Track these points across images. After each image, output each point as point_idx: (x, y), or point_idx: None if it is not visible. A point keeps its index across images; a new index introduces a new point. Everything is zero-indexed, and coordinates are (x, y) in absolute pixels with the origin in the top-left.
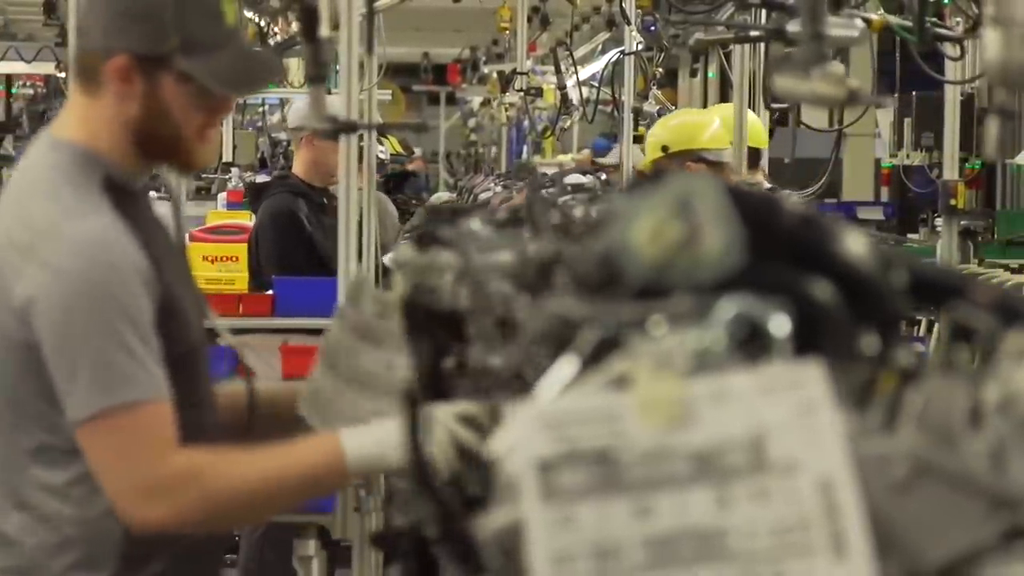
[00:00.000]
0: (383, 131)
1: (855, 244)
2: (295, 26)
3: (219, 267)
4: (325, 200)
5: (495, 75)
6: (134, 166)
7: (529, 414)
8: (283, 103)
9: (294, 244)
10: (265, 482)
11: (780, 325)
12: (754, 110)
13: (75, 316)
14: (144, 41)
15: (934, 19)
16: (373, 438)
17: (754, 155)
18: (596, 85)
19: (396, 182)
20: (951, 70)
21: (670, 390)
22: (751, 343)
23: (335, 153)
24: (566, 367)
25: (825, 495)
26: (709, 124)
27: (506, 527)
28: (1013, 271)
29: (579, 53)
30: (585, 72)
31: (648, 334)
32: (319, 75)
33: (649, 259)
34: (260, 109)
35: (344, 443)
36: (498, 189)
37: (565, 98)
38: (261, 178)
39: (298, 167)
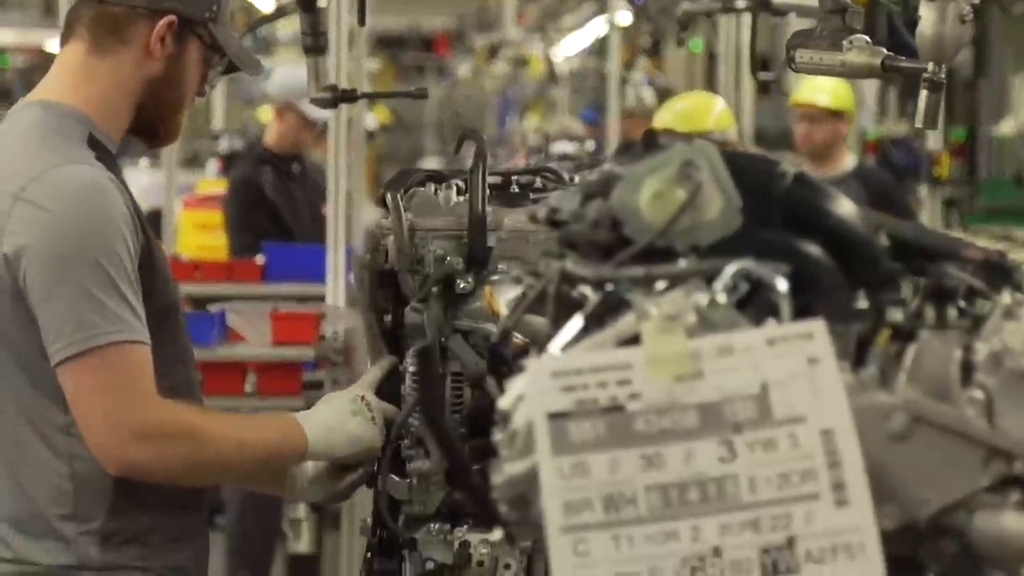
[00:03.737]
0: (373, 99)
1: (847, 206)
2: None
3: (211, 234)
4: (295, 168)
5: (482, 46)
6: (118, 131)
7: (541, 368)
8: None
9: (254, 211)
10: (241, 448)
11: (782, 284)
12: (739, 80)
13: (64, 257)
14: (191, 4)
15: None
16: (327, 427)
17: None
18: (583, 56)
19: None
20: None
21: (677, 345)
22: (754, 302)
23: (304, 129)
24: (576, 324)
25: (827, 445)
26: (714, 106)
27: (517, 476)
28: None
29: (567, 24)
30: (573, 43)
31: (655, 293)
32: (317, 45)
33: (653, 222)
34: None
35: (306, 429)
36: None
37: (552, 68)
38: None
39: (269, 136)
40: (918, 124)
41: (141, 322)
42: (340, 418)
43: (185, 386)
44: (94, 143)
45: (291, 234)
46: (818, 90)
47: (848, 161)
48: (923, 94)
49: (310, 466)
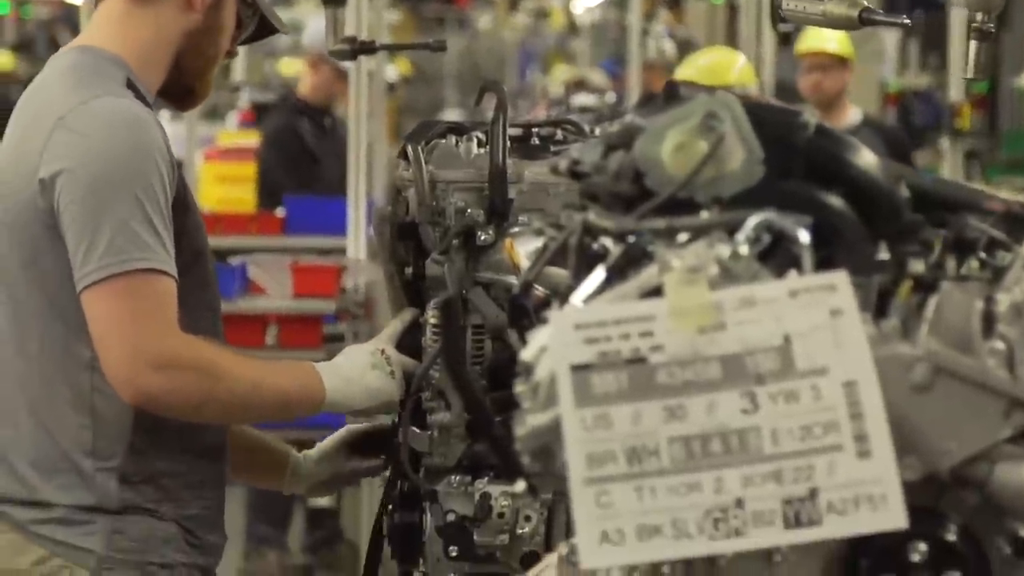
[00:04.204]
0: (392, 51)
1: (869, 157)
2: None
3: (232, 187)
4: (327, 122)
5: None
6: (155, 84)
7: (564, 320)
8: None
9: (295, 159)
10: (257, 390)
11: (804, 235)
12: (760, 32)
13: (99, 183)
14: None
15: None
16: (346, 379)
17: None
18: (604, 7)
19: None
20: None
21: (700, 297)
22: (776, 254)
23: (338, 80)
24: (598, 276)
25: (850, 397)
26: (735, 62)
27: (541, 428)
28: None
29: None
30: None
31: (677, 245)
32: None
33: (675, 174)
34: None
35: (324, 380)
36: None
37: (572, 20)
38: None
39: (303, 87)
40: (969, 75)
41: (170, 255)
42: (359, 371)
43: (210, 336)
44: (132, 88)
45: (330, 184)
46: (825, 38)
47: (853, 112)
48: (972, 44)
49: (316, 448)
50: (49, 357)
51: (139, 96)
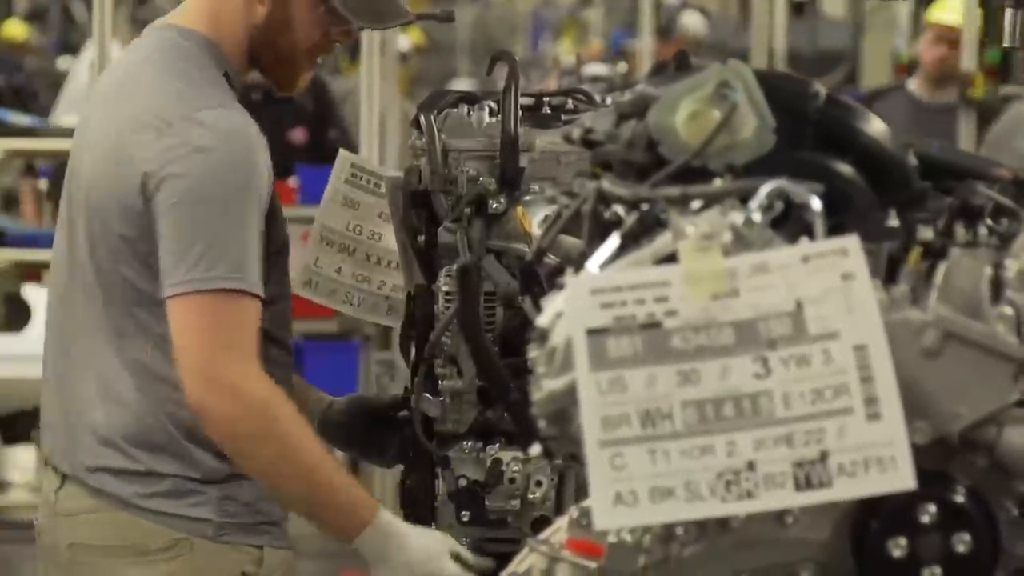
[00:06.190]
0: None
1: (879, 126)
2: None
3: None
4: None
5: None
6: (244, 72)
7: (580, 285)
8: None
9: None
10: (305, 461)
11: (816, 203)
12: (772, 1)
13: (208, 193)
14: None
15: None
16: (395, 543)
17: None
18: None
19: None
20: None
21: (714, 264)
22: (789, 221)
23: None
24: (613, 243)
25: (860, 361)
26: None
27: (557, 392)
28: None
29: None
30: None
31: (691, 212)
32: None
33: (689, 142)
34: None
35: (378, 520)
36: None
37: None
38: None
39: None
40: (1006, 43)
41: (260, 274)
42: (419, 552)
43: (281, 324)
44: (227, 77)
45: None
46: (952, 11)
47: None
48: (1009, 12)
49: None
50: (145, 341)
51: (232, 87)
